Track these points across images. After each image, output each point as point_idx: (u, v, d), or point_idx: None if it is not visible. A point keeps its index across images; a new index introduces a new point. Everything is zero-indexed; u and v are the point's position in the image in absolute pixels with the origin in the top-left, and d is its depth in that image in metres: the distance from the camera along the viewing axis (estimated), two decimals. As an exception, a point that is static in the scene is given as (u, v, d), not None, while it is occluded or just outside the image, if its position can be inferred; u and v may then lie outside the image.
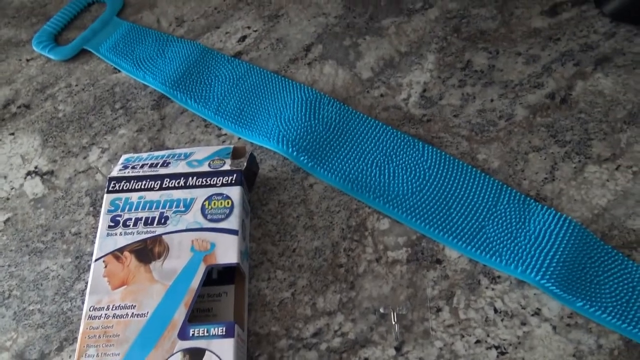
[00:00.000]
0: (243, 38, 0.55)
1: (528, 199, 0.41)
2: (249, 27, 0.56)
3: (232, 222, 0.38)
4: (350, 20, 0.55)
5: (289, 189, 0.44)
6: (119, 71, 0.54)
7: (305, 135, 0.45)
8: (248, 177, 0.43)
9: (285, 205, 0.43)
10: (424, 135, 0.46)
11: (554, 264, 0.38)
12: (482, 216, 0.41)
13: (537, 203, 0.41)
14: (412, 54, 0.52)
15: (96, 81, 0.53)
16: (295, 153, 0.44)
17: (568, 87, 0.48)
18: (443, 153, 0.44)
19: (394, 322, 0.37)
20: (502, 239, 0.40)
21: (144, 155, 0.44)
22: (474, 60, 0.51)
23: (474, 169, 0.43)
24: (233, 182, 0.40)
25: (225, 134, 0.48)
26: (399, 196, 0.42)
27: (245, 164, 0.42)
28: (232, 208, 0.39)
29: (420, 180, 0.43)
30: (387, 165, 0.44)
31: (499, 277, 0.39)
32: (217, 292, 0.39)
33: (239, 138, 0.48)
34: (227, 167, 0.41)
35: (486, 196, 0.42)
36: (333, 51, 0.53)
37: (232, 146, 0.43)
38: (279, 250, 0.41)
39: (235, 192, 0.40)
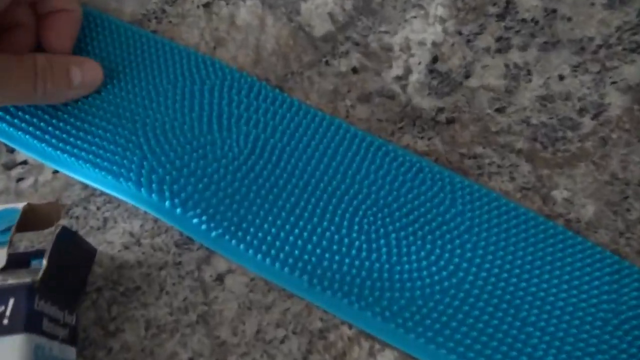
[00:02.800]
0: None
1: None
2: None
3: None
4: None
5: (170, 292, 0.20)
6: None
7: (202, 166, 0.21)
8: (63, 280, 0.18)
9: (158, 334, 0.19)
10: (444, 153, 0.23)
11: None
12: (586, 342, 0.19)
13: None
14: (405, -12, 0.28)
15: None
16: (180, 206, 0.20)
17: (688, 49, 0.26)
18: (491, 192, 0.21)
19: None
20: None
21: None
22: (519, 0, 0.27)
23: (554, 225, 0.21)
24: (6, 325, 0.15)
25: (25, 163, 0.22)
26: (411, 302, 0.19)
27: (49, 250, 0.17)
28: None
29: (455, 263, 0.20)
30: (380, 229, 0.20)
31: None
32: None
33: (54, 172, 0.22)
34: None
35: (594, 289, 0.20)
36: (255, -18, 0.27)
37: (21, 205, 0.18)
38: None
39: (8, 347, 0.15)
